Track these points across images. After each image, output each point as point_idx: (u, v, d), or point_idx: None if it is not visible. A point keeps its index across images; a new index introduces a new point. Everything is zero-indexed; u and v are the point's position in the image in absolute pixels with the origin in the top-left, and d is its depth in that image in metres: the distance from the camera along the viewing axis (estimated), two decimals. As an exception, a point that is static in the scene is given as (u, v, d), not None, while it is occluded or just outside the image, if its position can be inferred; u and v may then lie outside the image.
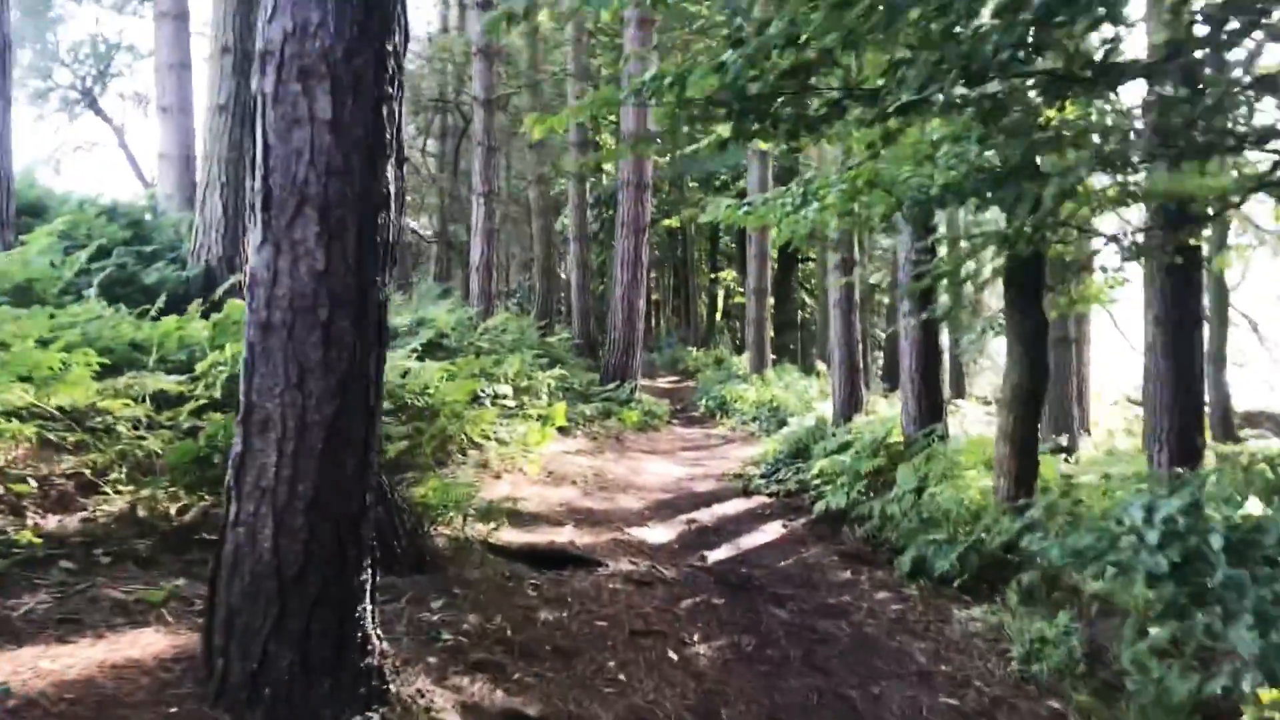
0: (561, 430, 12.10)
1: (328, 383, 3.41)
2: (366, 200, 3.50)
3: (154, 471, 5.68)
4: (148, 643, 3.80)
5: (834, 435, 10.94)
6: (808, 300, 34.23)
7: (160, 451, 5.71)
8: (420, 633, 4.63)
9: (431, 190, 23.46)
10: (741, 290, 29.42)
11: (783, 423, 14.45)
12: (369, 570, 3.65)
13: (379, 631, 3.69)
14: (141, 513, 5.21)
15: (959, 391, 22.14)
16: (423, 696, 3.81)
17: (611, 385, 14.85)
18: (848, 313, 11.78)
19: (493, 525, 6.93)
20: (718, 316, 39.09)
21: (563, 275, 26.56)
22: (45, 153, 21.72)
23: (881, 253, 26.70)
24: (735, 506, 9.40)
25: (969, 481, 8.52)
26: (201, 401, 6.54)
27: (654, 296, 48.54)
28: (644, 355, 33.21)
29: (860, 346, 12.03)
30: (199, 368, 6.94)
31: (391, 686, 3.63)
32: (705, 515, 8.94)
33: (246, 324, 3.48)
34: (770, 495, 9.80)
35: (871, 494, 8.91)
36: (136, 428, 5.98)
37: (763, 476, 10.39)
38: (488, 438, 9.75)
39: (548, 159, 21.01)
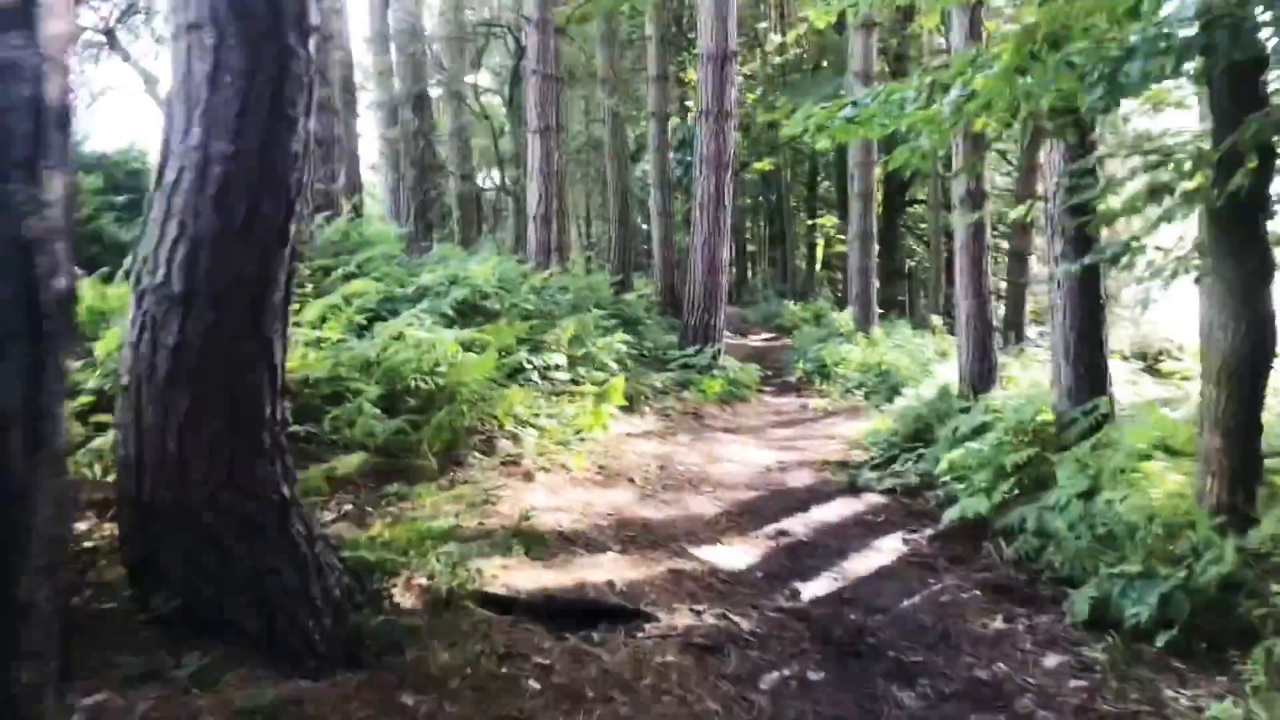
0: (626, 408, 10.12)
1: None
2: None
3: None
4: None
5: (964, 412, 8.75)
6: (916, 248, 31.56)
7: None
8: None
9: (484, 129, 21.38)
10: (842, 238, 26.98)
11: (895, 391, 12.24)
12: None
13: None
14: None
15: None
16: None
17: (691, 349, 12.80)
18: (978, 258, 9.50)
19: (496, 564, 4.99)
20: (817, 267, 36.60)
21: (645, 226, 24.56)
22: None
23: (997, 191, 23.99)
24: (838, 510, 7.32)
25: (1152, 478, 6.30)
26: (85, 400, 4.75)
27: (749, 247, 46.12)
28: (738, 310, 31.06)
29: (991, 299, 9.76)
30: (97, 349, 5.15)
31: None
32: (799, 524, 6.88)
33: None
34: (884, 493, 7.69)
35: (1020, 494, 6.76)
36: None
37: (873, 467, 8.27)
38: (527, 423, 7.84)
39: (620, 92, 18.94)
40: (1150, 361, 19.86)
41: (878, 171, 20.00)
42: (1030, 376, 11.71)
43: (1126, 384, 13.19)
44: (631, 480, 7.44)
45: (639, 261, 26.95)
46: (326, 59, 15.15)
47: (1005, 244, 23.21)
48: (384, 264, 10.23)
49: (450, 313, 8.96)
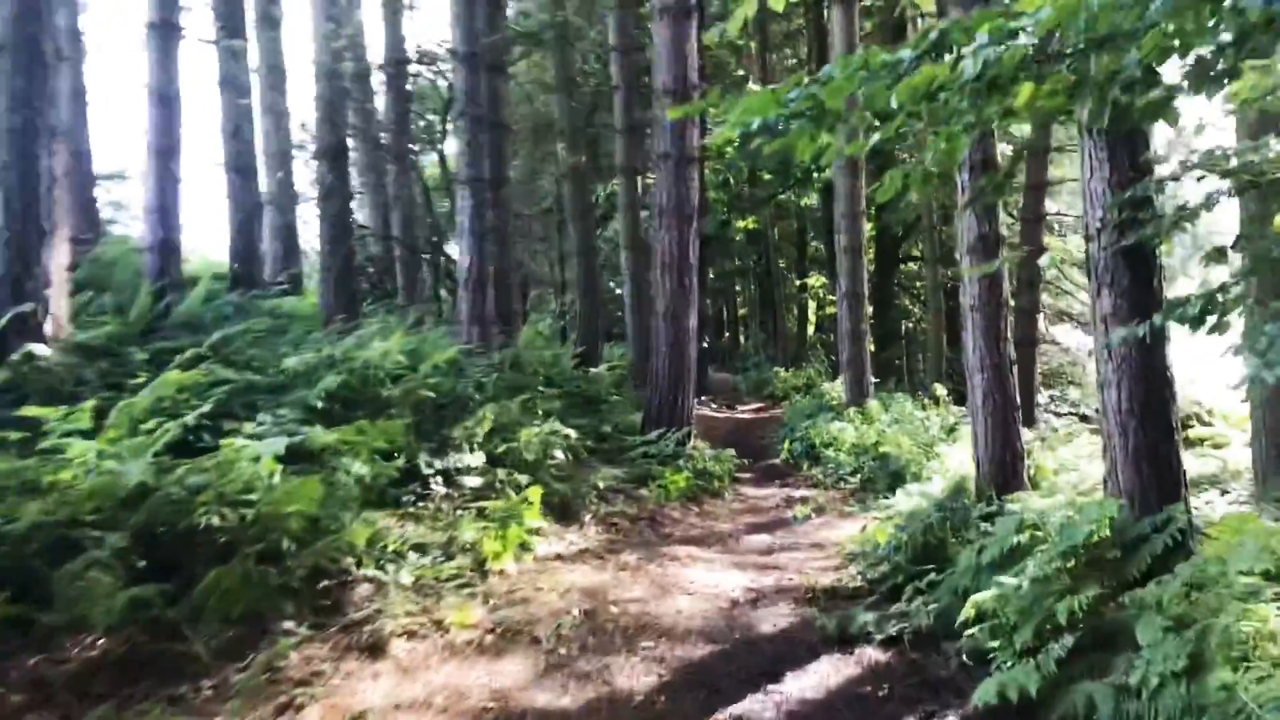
0: (562, 517, 8.11)
1: None
2: None
3: None
4: None
5: (986, 520, 6.74)
6: (913, 307, 29.65)
7: None
8: None
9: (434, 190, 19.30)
10: (834, 298, 25.10)
11: (896, 479, 10.23)
12: None
13: None
14: None
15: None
16: None
17: (654, 434, 10.78)
18: (994, 318, 7.52)
19: None
20: (809, 330, 34.69)
21: (618, 290, 22.70)
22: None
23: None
24: (823, 677, 5.24)
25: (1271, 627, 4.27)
26: None
27: (740, 311, 44.24)
28: (730, 377, 29.05)
29: (1012, 369, 7.75)
30: None
31: None
32: (767, 707, 4.81)
33: None
34: (886, 644, 5.60)
35: (1081, 656, 4.72)
36: None
37: (872, 604, 6.19)
38: (400, 559, 5.83)
39: (585, 147, 17.13)
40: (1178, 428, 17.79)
41: (868, 228, 18.20)
42: (1058, 459, 9.67)
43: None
44: (538, 640, 5.37)
45: (619, 331, 25.11)
46: (239, 111, 13.38)
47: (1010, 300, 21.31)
48: (254, 343, 8.30)
49: (318, 405, 6.97)
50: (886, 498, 9.55)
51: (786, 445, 13.59)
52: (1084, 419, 19.83)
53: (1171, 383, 5.81)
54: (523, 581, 6.32)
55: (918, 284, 27.92)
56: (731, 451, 11.60)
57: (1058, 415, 19.98)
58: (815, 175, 23.34)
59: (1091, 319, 6.02)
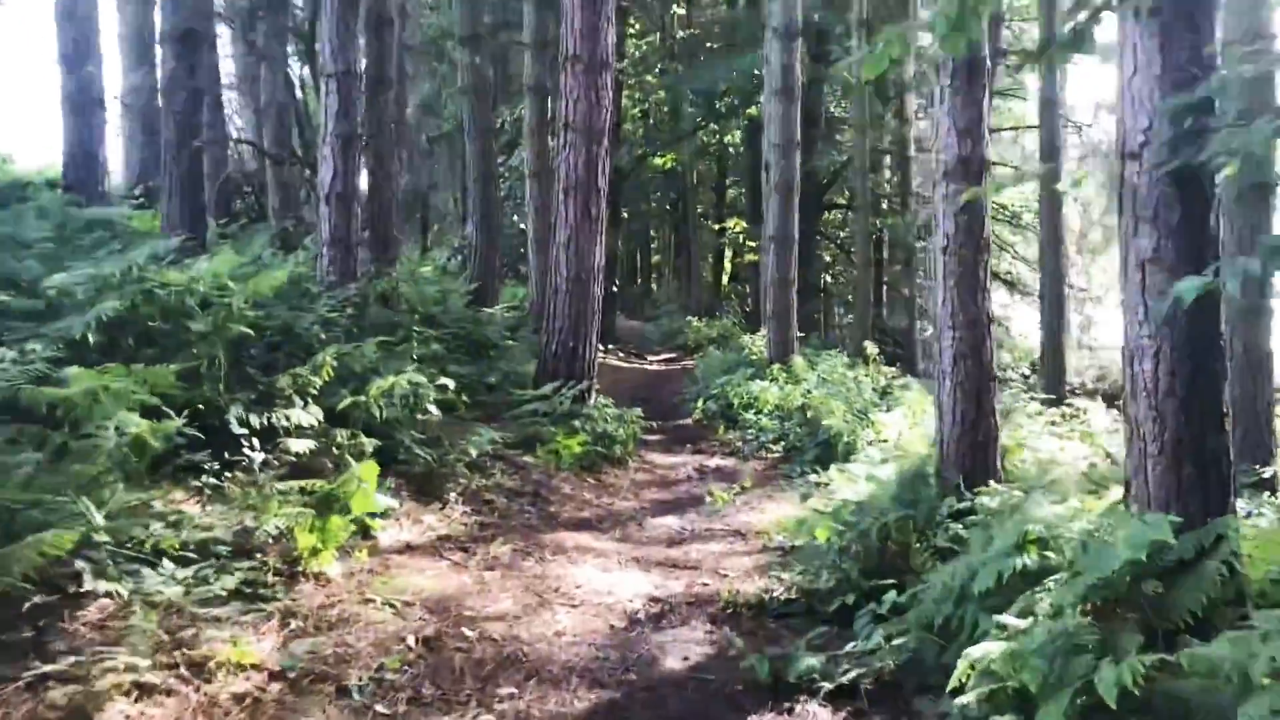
0: (422, 493, 6.46)
1: None
2: None
3: None
4: None
5: (956, 519, 5.27)
6: (831, 259, 28.35)
7: None
8: None
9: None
10: (753, 244, 23.57)
11: (825, 448, 8.79)
12: None
13: None
14: None
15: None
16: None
17: (548, 388, 9.12)
18: (973, 264, 5.98)
19: None
20: (724, 279, 33.29)
21: (523, 226, 20.84)
22: None
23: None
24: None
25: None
26: None
27: (654, 257, 42.62)
28: (641, 325, 27.53)
29: (990, 327, 6.24)
30: None
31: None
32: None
33: None
34: (834, 699, 4.05)
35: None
36: None
37: (814, 639, 4.65)
38: (156, 563, 4.15)
39: (482, 54, 15.18)
40: (1115, 397, 16.76)
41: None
42: (1018, 437, 8.23)
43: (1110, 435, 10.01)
44: (347, 690, 3.72)
45: (526, 271, 23.31)
46: None
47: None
48: (38, 258, 6.44)
49: (90, 339, 5.17)
50: (816, 472, 8.10)
51: (700, 404, 12.09)
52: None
53: (1223, 355, 4.34)
54: (347, 591, 4.65)
55: (841, 234, 26.63)
56: (638, 411, 10.00)
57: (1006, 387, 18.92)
58: (741, 111, 21.71)
59: (1122, 265, 4.50)
